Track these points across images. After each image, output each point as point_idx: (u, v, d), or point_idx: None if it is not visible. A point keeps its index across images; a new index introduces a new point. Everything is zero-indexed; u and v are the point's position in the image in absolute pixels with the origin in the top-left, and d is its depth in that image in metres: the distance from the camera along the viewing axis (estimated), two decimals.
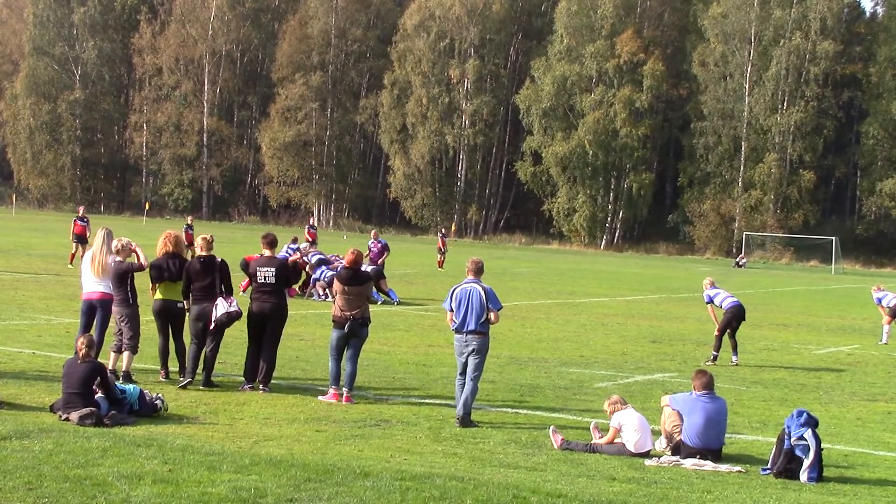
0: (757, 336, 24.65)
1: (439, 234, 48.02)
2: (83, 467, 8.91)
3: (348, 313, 13.20)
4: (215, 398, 12.86)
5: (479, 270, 12.75)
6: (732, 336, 19.65)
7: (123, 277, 13.57)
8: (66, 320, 19.25)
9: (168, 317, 13.86)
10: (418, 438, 11.26)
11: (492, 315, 12.42)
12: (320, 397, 13.24)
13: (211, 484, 8.56)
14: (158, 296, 13.87)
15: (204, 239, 14.16)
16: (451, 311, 12.56)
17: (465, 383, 12.52)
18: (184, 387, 13.31)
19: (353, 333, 13.20)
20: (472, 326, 12.39)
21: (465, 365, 12.53)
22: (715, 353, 19.50)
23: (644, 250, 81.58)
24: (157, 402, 11.69)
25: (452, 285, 12.89)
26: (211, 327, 13.63)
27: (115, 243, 13.74)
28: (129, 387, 11.87)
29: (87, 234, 32.85)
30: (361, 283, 13.41)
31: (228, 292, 13.85)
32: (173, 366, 13.97)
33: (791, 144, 77.74)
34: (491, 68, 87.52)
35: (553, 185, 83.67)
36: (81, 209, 38.29)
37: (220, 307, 13.57)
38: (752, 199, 78.27)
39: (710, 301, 20.09)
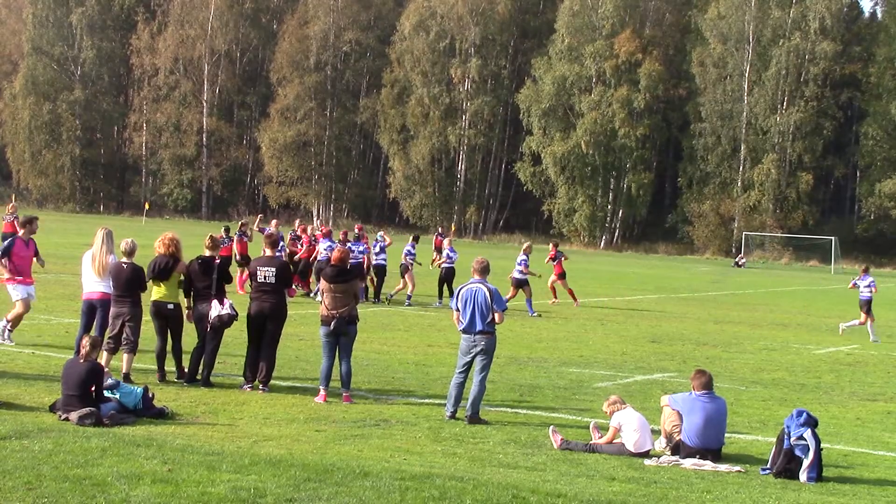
0: (757, 336, 24.67)
1: (437, 234, 48.03)
2: (83, 467, 8.90)
3: (335, 312, 13.15)
4: (215, 398, 12.85)
5: (484, 270, 12.77)
6: None
7: (134, 281, 13.56)
8: (66, 320, 19.25)
9: (161, 318, 13.86)
10: (418, 438, 11.26)
11: (496, 316, 12.44)
12: (315, 399, 13.22)
13: (210, 484, 8.56)
14: (154, 297, 13.88)
15: (211, 238, 14.19)
16: (458, 310, 12.59)
17: (461, 382, 12.56)
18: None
19: (340, 332, 13.14)
20: (479, 327, 12.41)
21: (468, 364, 12.56)
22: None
23: (644, 250, 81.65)
24: (165, 409, 11.67)
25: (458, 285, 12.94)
26: (208, 329, 13.66)
27: (123, 244, 13.75)
28: (133, 387, 11.84)
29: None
30: (347, 281, 13.37)
31: (222, 293, 13.82)
32: (170, 367, 13.97)
33: (790, 145, 77.76)
34: (492, 68, 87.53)
35: (552, 185, 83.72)
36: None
37: (214, 310, 13.59)
38: (751, 199, 78.30)
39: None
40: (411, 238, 30.71)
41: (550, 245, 31.53)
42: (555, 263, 29.65)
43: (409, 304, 27.24)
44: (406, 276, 27.97)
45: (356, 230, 29.38)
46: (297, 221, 32.78)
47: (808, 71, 77.48)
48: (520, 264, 27.05)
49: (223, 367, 14.70)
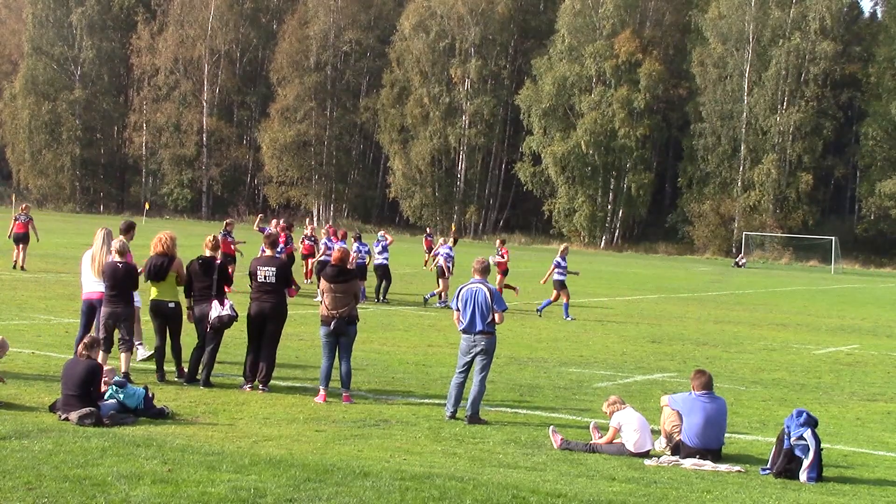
0: (756, 336, 24.67)
1: (425, 235, 48.06)
2: (83, 467, 8.90)
3: (335, 312, 13.15)
4: (215, 398, 12.85)
5: (484, 270, 12.78)
6: None
7: (129, 280, 13.56)
8: (65, 320, 19.25)
9: (160, 317, 13.86)
10: (418, 438, 11.26)
11: (496, 316, 12.44)
12: (315, 399, 13.22)
13: (210, 484, 8.56)
14: (152, 296, 13.88)
15: (214, 238, 14.18)
16: (458, 310, 12.60)
17: (461, 382, 12.56)
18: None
19: (340, 332, 13.14)
20: (479, 327, 12.42)
21: (468, 364, 12.57)
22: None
23: (644, 250, 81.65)
24: (165, 409, 11.68)
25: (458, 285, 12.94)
26: (208, 329, 13.66)
27: (115, 244, 13.74)
28: (137, 388, 11.84)
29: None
30: (347, 281, 13.38)
31: (222, 294, 13.82)
32: (169, 367, 13.96)
33: (790, 145, 77.74)
34: (492, 68, 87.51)
35: (552, 185, 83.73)
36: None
37: (214, 311, 13.58)
38: (751, 199, 78.30)
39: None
40: (451, 240, 30.40)
41: (498, 242, 31.69)
42: (503, 261, 29.82)
43: (426, 303, 27.50)
44: (441, 278, 28.15)
45: (328, 231, 28.97)
46: (282, 221, 32.05)
47: (808, 71, 77.45)
48: (557, 266, 26.94)
49: (223, 367, 14.71)
